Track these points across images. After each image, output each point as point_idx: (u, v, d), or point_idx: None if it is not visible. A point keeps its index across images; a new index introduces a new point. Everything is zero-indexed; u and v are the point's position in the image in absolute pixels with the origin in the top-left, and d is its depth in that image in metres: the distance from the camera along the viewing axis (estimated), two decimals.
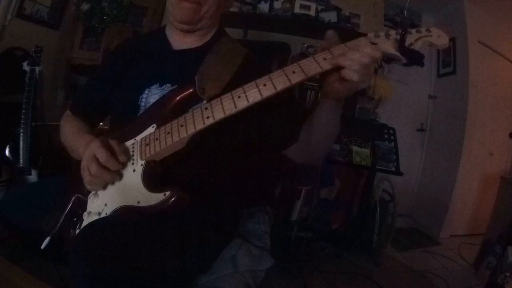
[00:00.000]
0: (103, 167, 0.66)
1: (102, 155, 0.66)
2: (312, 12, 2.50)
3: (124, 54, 0.88)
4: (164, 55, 0.83)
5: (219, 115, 0.61)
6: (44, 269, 0.99)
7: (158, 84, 0.79)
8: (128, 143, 0.73)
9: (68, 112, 0.95)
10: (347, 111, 2.48)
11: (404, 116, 3.06)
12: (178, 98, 0.70)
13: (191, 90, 0.69)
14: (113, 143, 0.68)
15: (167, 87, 0.78)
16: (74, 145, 0.81)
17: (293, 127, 0.75)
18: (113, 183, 0.71)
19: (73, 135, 0.84)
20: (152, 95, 0.79)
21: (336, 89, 0.61)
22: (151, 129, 0.70)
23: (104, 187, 0.72)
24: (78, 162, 0.82)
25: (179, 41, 0.83)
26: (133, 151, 0.71)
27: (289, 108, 0.76)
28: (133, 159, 0.70)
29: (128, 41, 1.03)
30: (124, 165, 0.69)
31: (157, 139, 0.67)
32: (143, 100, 0.79)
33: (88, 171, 0.67)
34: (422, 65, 0.59)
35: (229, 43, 0.81)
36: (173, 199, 0.62)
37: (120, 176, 0.69)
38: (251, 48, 0.81)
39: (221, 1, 0.79)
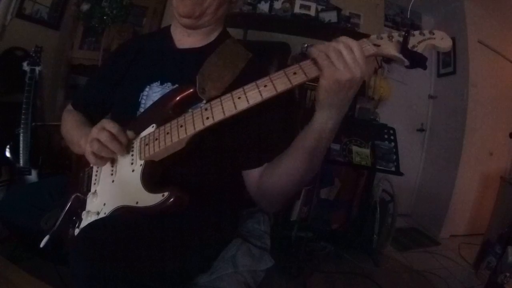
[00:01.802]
0: (113, 137, 0.67)
1: (113, 126, 0.67)
2: (312, 12, 2.50)
3: (127, 53, 0.88)
4: (166, 53, 0.83)
5: (218, 116, 0.61)
6: (44, 269, 0.99)
7: (159, 82, 0.79)
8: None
9: (69, 107, 0.96)
10: (347, 111, 2.48)
11: (404, 116, 3.05)
12: (178, 98, 0.70)
13: (191, 90, 0.68)
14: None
15: (168, 86, 0.78)
16: (75, 136, 0.81)
17: (293, 128, 0.75)
18: (112, 181, 0.71)
19: (74, 127, 0.85)
20: (153, 93, 0.79)
21: (321, 91, 0.58)
22: (150, 129, 0.70)
23: (112, 162, 0.72)
24: (78, 161, 0.83)
25: (183, 40, 0.83)
26: (132, 151, 0.71)
27: (289, 109, 0.75)
28: (132, 159, 0.69)
29: (131, 41, 1.03)
30: (129, 147, 0.70)
31: (156, 139, 0.67)
32: (144, 97, 0.79)
33: (97, 140, 0.67)
34: (425, 68, 0.59)
35: (233, 46, 0.80)
36: (172, 200, 0.62)
37: (127, 151, 0.70)
38: (251, 48, 0.81)
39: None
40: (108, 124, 0.68)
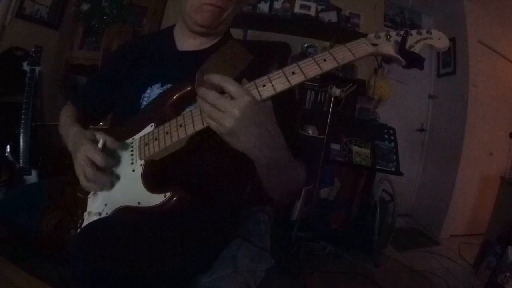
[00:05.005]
0: (97, 173, 0.67)
1: (97, 159, 0.66)
2: (312, 12, 2.51)
3: (128, 54, 0.89)
4: (167, 55, 0.83)
5: None
6: (44, 269, 0.98)
7: (160, 83, 0.79)
8: (127, 143, 0.73)
9: (69, 103, 0.96)
10: (347, 111, 2.48)
11: (404, 116, 3.06)
12: (176, 96, 0.69)
13: (189, 88, 0.68)
14: (108, 140, 0.69)
15: (168, 87, 0.78)
16: (64, 133, 0.83)
17: (292, 128, 0.74)
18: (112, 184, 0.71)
19: (65, 124, 0.86)
20: (154, 95, 0.79)
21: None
22: (149, 128, 0.70)
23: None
24: None
25: (186, 42, 0.83)
26: (131, 151, 0.71)
27: (289, 109, 0.75)
28: (132, 159, 0.69)
29: (132, 41, 1.03)
30: (117, 164, 0.70)
31: (156, 139, 0.67)
32: (145, 99, 0.79)
33: (84, 175, 0.68)
34: (421, 68, 0.58)
35: (235, 47, 0.80)
36: (174, 199, 0.61)
37: (117, 177, 0.70)
38: (251, 48, 0.81)
39: (238, 6, 0.79)
40: (94, 155, 0.66)
